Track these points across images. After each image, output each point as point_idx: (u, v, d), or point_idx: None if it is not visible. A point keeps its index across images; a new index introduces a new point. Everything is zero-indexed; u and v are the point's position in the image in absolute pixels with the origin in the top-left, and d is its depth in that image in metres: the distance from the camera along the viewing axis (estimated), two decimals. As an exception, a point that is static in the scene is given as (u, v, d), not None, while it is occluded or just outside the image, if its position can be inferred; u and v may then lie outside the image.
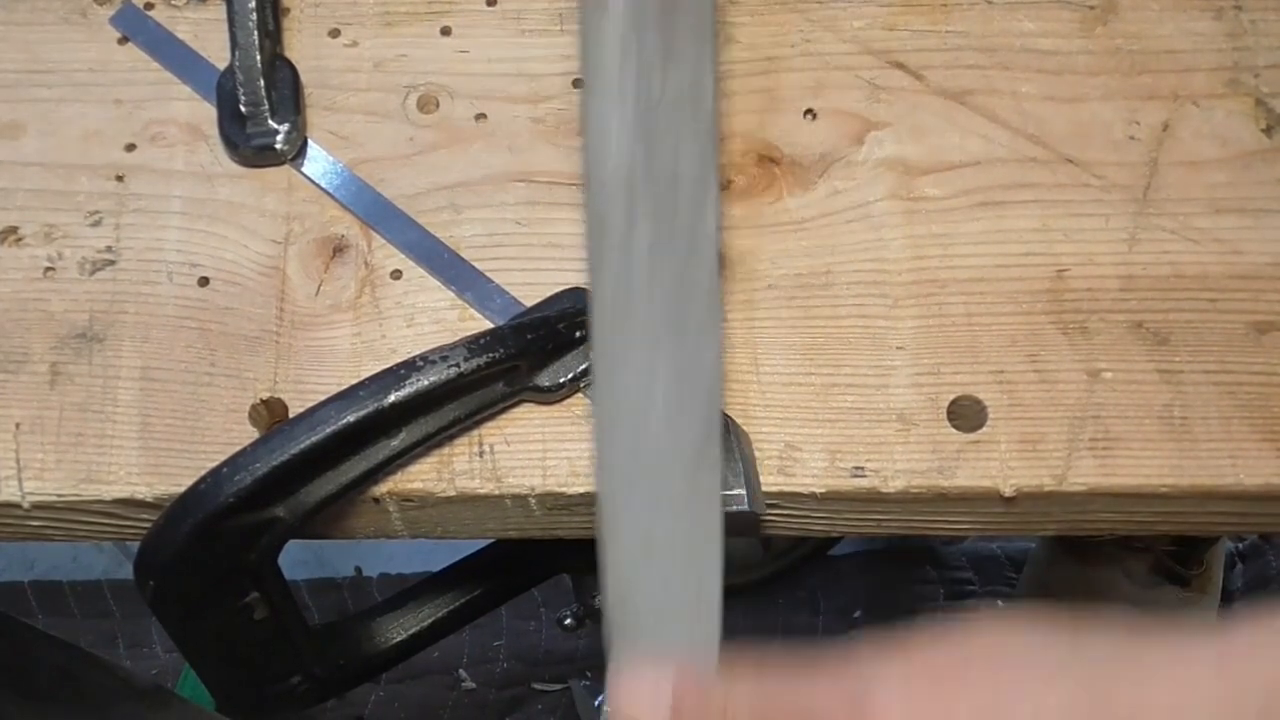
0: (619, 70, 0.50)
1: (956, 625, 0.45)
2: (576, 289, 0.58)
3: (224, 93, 0.62)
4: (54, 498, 0.56)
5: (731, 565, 0.53)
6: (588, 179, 0.50)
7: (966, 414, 0.56)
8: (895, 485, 0.55)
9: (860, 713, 0.42)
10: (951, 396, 0.57)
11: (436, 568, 0.75)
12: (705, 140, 0.50)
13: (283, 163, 0.62)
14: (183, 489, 0.53)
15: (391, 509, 0.57)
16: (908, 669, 0.43)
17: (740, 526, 0.54)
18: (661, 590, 0.51)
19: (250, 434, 0.57)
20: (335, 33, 0.65)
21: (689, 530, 0.50)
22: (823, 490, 0.55)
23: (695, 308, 0.50)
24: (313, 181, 0.62)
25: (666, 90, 0.50)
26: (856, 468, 0.55)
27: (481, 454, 0.56)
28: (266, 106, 0.61)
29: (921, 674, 0.43)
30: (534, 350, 0.55)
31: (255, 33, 0.61)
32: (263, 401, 0.57)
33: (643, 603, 0.51)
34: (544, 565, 0.78)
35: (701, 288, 0.50)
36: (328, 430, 0.51)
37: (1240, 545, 1.47)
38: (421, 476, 0.56)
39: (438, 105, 0.63)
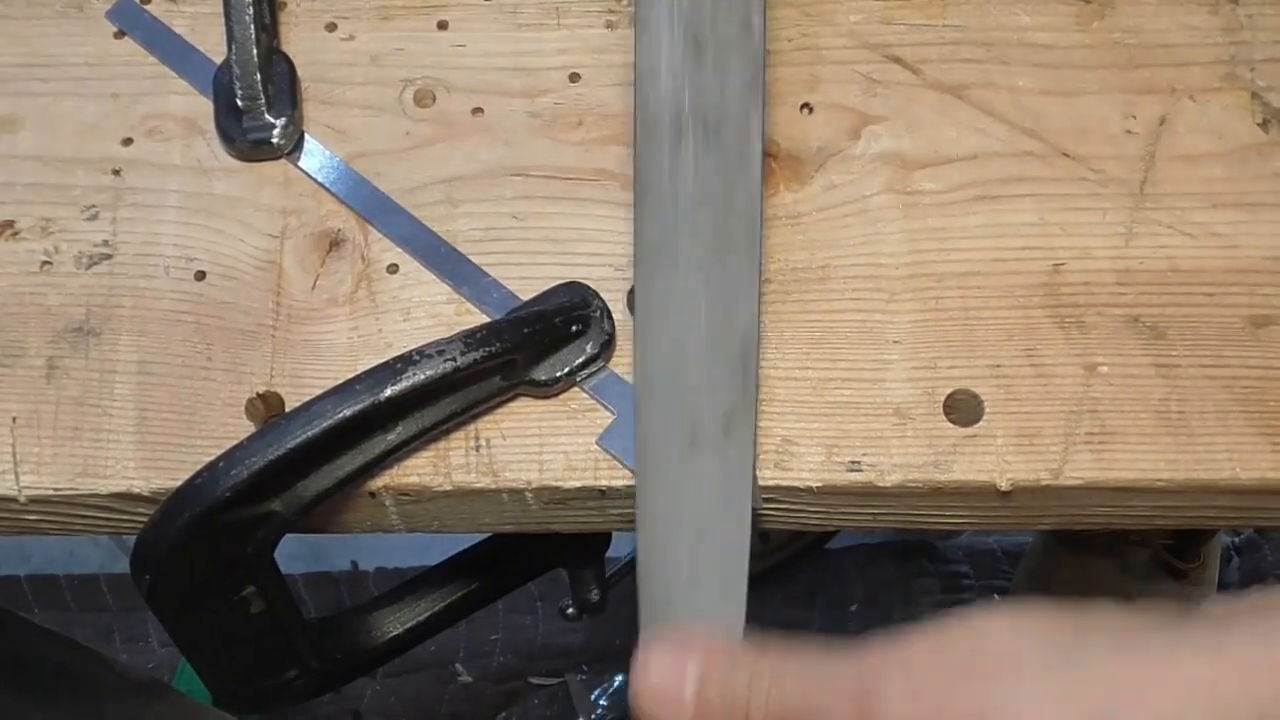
0: (670, 7, 0.52)
1: (959, 624, 0.45)
2: (573, 283, 0.58)
3: (220, 87, 0.62)
4: (50, 492, 0.56)
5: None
6: (637, 108, 0.52)
7: (963, 408, 0.56)
8: (891, 479, 0.55)
9: (865, 716, 0.44)
10: (948, 391, 0.57)
11: (433, 562, 0.75)
12: (754, 64, 0.52)
13: (279, 157, 0.62)
14: (179, 483, 0.53)
15: (388, 503, 0.57)
16: (912, 674, 0.44)
17: (737, 520, 0.54)
18: (690, 556, 0.53)
19: (247, 428, 0.56)
20: (332, 26, 0.65)
21: (720, 491, 0.53)
22: (819, 484, 0.55)
23: (738, 235, 0.54)
24: (309, 175, 0.62)
25: (716, 23, 0.51)
26: (853, 462, 0.55)
27: (478, 448, 0.56)
28: (263, 100, 0.61)
29: (924, 680, 0.44)
30: (530, 344, 0.55)
31: (252, 27, 0.61)
32: (259, 396, 0.57)
33: (671, 571, 0.54)
34: (540, 559, 0.78)
35: (744, 213, 0.54)
36: (324, 424, 0.51)
37: (1236, 539, 1.47)
38: (418, 471, 0.56)
39: (434, 99, 0.63)
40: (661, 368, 0.54)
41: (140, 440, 0.56)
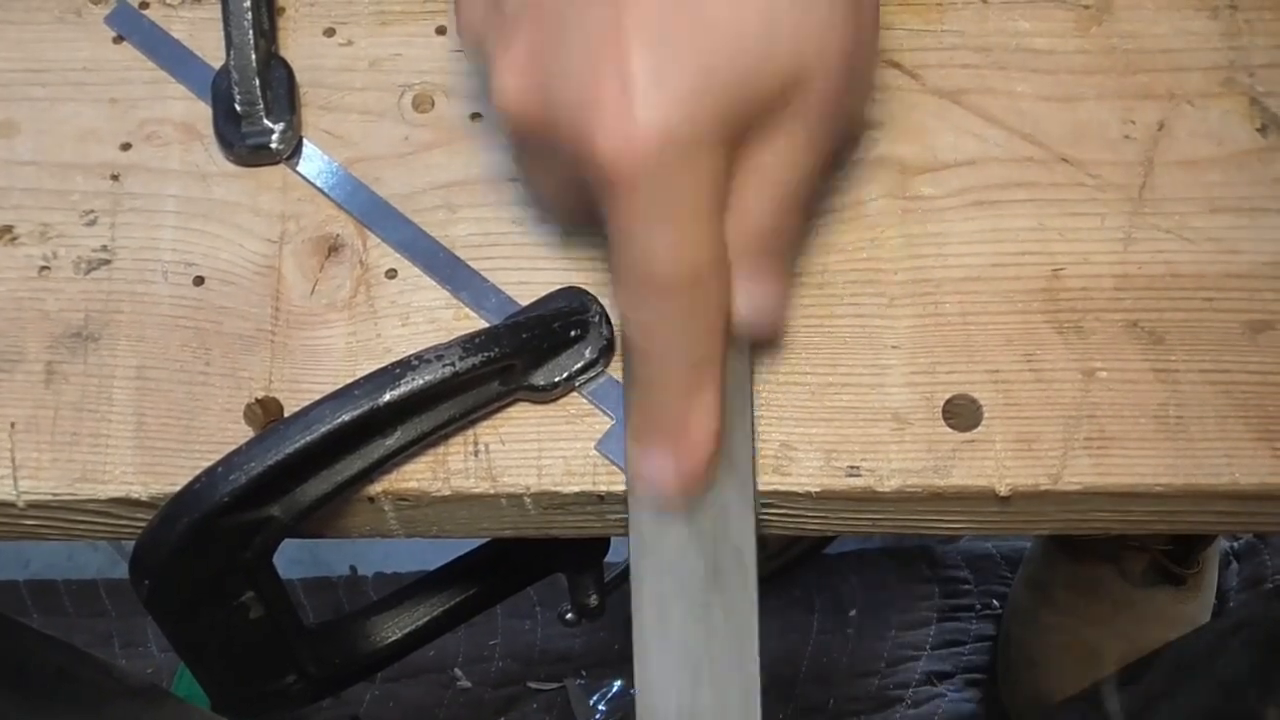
0: (664, 622, 0.53)
1: None
2: (571, 288, 0.58)
3: (219, 92, 0.62)
4: (49, 497, 0.56)
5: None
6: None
7: (962, 413, 0.56)
8: (890, 484, 0.55)
9: None
10: (947, 396, 0.57)
11: (432, 567, 0.75)
12: (749, 682, 0.52)
13: (278, 162, 0.62)
14: (178, 488, 0.53)
15: (386, 508, 0.57)
16: None
17: (736, 526, 0.54)
18: None
19: (245, 433, 0.56)
20: (330, 32, 0.65)
21: None
22: (818, 489, 0.55)
23: None
24: (308, 180, 0.62)
25: (713, 636, 0.52)
26: (852, 467, 0.55)
27: (476, 453, 0.56)
28: (261, 106, 0.61)
29: None
30: (529, 349, 0.55)
31: (250, 32, 0.61)
32: (258, 401, 0.57)
33: None
34: (539, 564, 0.78)
35: None
36: (323, 429, 0.51)
37: (1235, 544, 1.47)
38: (416, 476, 0.56)
39: (433, 104, 0.63)
40: None
41: (139, 445, 0.56)
